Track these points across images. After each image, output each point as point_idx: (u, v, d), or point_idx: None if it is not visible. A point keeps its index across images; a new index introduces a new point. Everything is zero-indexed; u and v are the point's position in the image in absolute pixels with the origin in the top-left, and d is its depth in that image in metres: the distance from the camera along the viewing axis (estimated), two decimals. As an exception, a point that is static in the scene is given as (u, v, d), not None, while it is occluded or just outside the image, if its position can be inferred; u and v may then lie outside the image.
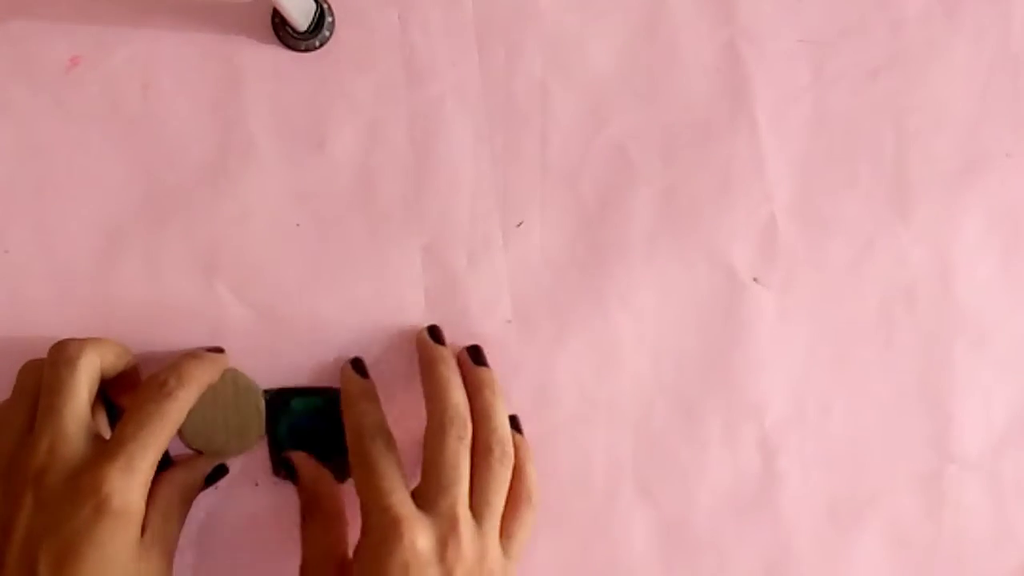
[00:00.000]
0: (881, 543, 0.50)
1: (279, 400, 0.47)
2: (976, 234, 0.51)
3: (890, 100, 0.51)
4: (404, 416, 0.47)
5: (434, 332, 0.47)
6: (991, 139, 0.51)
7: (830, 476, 0.50)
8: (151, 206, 0.47)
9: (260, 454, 0.47)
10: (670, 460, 0.49)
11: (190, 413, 0.45)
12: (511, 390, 0.49)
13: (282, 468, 0.46)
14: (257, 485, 0.47)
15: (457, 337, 0.48)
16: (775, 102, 0.50)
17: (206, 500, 0.47)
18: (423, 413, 0.45)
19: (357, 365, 0.47)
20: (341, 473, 0.46)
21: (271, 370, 0.47)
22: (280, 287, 0.48)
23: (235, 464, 0.47)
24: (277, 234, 0.48)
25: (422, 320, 0.48)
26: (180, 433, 0.46)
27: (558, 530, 0.49)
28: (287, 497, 0.47)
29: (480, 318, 0.49)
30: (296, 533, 0.45)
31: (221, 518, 0.47)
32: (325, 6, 0.47)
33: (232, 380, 0.46)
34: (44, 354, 0.44)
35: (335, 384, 0.47)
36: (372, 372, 0.47)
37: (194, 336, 0.47)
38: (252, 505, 0.47)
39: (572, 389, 0.49)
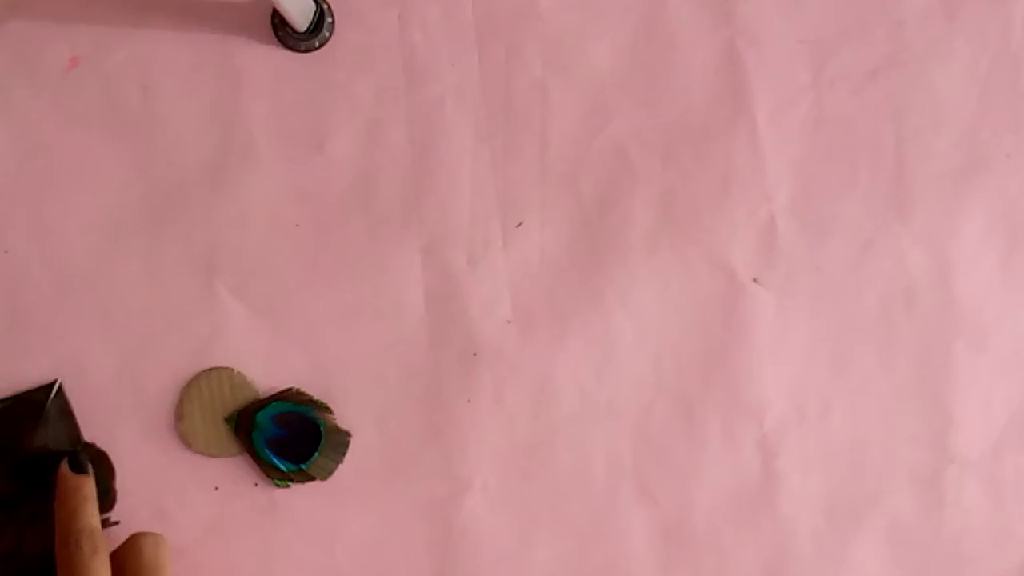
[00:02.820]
0: (881, 543, 0.50)
1: (246, 419, 0.46)
2: (976, 234, 0.51)
3: (890, 100, 0.51)
4: (397, 413, 0.47)
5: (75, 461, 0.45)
6: (991, 139, 0.51)
7: (830, 476, 0.50)
8: (151, 206, 0.47)
9: (260, 454, 0.48)
10: (670, 460, 0.49)
11: (189, 416, 0.45)
12: (511, 390, 0.49)
13: None
14: (256, 485, 0.47)
15: (457, 337, 0.48)
16: (775, 102, 0.50)
17: (207, 501, 0.47)
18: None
19: (74, 461, 0.45)
20: (323, 471, 0.47)
21: (270, 370, 0.47)
22: (280, 287, 0.48)
23: (235, 465, 0.47)
24: (277, 234, 0.48)
25: (422, 320, 0.48)
26: (181, 435, 0.46)
27: (558, 530, 0.49)
28: (286, 497, 0.47)
29: (480, 318, 0.49)
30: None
31: (222, 518, 0.47)
32: (325, 6, 0.47)
33: (229, 379, 0.46)
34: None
35: (330, 382, 0.47)
36: (369, 374, 0.47)
37: (194, 336, 0.47)
38: (252, 505, 0.47)
39: (572, 389, 0.49)
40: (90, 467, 0.45)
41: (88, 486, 0.44)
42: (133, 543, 0.43)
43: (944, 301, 0.51)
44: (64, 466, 0.45)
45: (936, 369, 0.51)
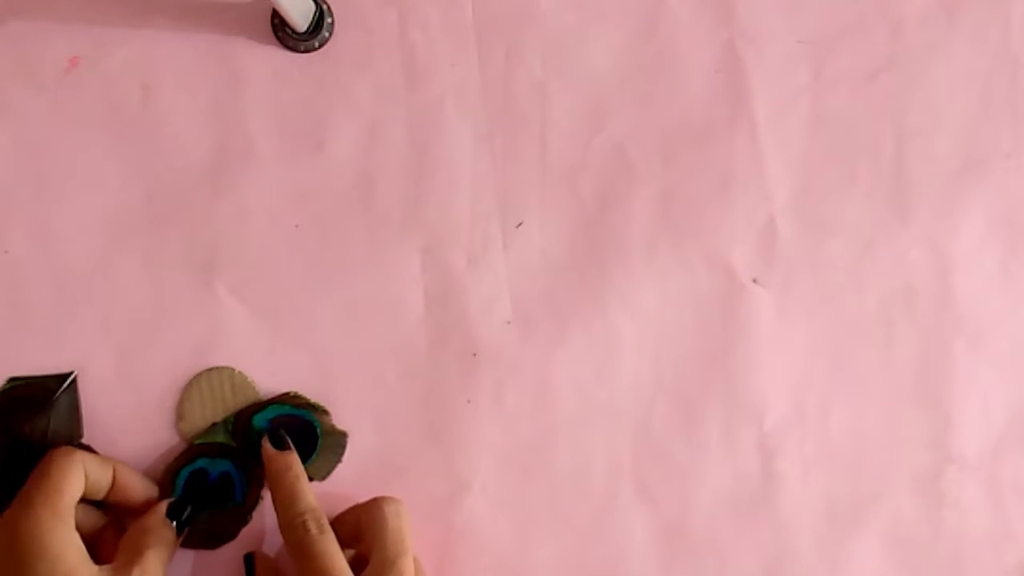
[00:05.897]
0: (881, 543, 0.50)
1: (242, 423, 0.46)
2: (975, 234, 0.51)
3: (890, 100, 0.51)
4: (396, 414, 0.47)
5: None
6: (991, 139, 0.51)
7: (829, 476, 0.50)
8: (151, 206, 0.47)
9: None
10: (670, 460, 0.49)
11: (189, 416, 0.45)
12: (511, 390, 0.49)
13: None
14: (257, 485, 0.47)
15: (457, 337, 0.48)
16: (775, 102, 0.50)
17: (206, 500, 0.47)
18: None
19: (275, 438, 0.45)
20: (321, 472, 0.47)
21: (270, 370, 0.47)
22: (280, 287, 0.48)
23: (235, 464, 0.47)
24: (277, 234, 0.48)
25: (422, 320, 0.48)
26: (181, 435, 0.46)
27: (558, 530, 0.49)
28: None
29: (480, 319, 0.49)
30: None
31: (221, 518, 0.47)
32: (325, 7, 0.48)
33: (229, 379, 0.46)
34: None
35: (330, 382, 0.47)
36: (368, 374, 0.47)
37: (194, 336, 0.47)
38: (252, 505, 0.47)
39: (572, 389, 0.49)
40: (290, 442, 0.45)
41: (297, 463, 0.44)
42: (376, 509, 0.43)
43: (944, 301, 0.51)
44: (267, 445, 0.45)
45: (936, 369, 0.51)
